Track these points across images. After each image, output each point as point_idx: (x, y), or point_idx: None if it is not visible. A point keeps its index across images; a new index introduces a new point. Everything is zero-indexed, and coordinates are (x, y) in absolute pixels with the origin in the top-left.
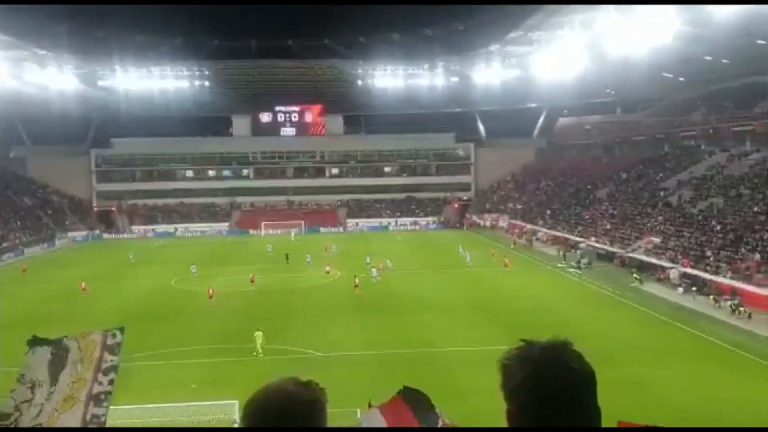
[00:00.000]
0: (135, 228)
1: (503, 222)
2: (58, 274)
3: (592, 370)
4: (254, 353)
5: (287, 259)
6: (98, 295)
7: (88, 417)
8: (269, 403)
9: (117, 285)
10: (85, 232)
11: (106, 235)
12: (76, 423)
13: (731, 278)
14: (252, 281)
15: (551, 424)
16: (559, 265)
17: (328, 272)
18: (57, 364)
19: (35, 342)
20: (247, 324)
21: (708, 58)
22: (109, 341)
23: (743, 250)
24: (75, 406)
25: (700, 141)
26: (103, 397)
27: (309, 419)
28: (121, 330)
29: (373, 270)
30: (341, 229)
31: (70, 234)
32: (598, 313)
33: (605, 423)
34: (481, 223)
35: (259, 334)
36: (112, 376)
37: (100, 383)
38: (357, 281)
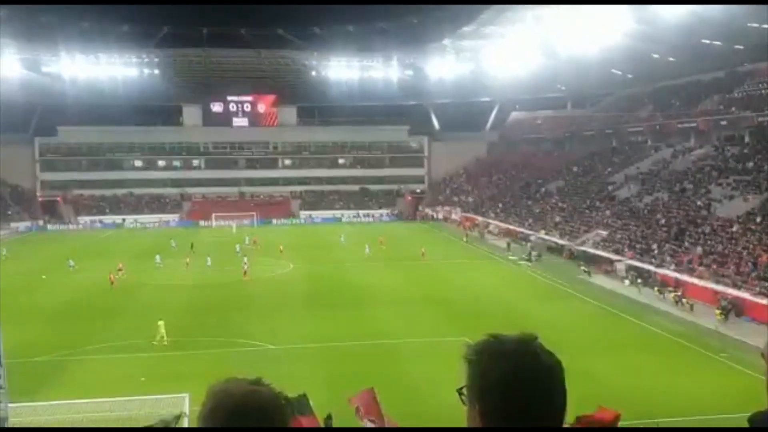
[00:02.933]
0: (81, 219)
1: (456, 215)
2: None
3: (561, 363)
4: (154, 342)
5: (192, 248)
6: (41, 288)
7: None
8: (246, 407)
9: (62, 277)
10: (28, 223)
11: (50, 226)
12: None
13: (675, 270)
14: (121, 270)
15: (530, 421)
16: (510, 257)
17: (187, 264)
18: None
19: None
20: (196, 318)
21: (655, 56)
22: None
23: (686, 243)
24: None
25: (647, 136)
26: None
27: (285, 420)
28: None
29: (245, 258)
30: (292, 221)
31: (13, 224)
32: (547, 305)
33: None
34: (434, 216)
35: (161, 323)
36: None
37: None
38: (245, 268)
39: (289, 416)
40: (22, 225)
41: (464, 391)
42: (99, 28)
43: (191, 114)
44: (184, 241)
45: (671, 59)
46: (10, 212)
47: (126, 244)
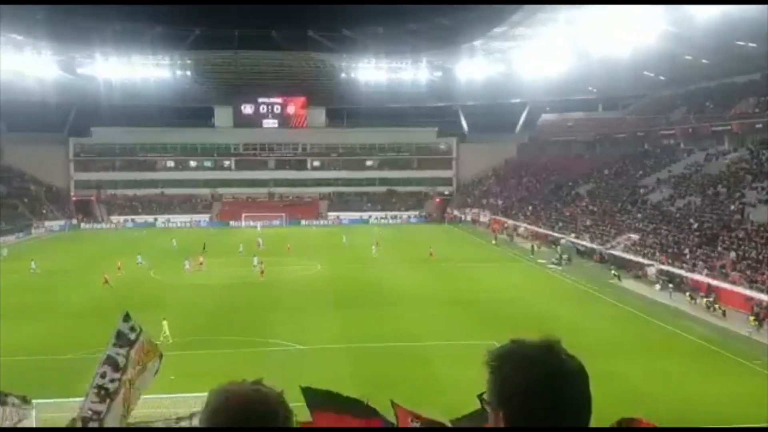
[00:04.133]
0: (113, 218)
1: (484, 217)
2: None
3: (585, 368)
4: (161, 340)
5: (204, 248)
6: (74, 285)
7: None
8: (249, 406)
9: (95, 275)
10: (62, 222)
11: (84, 225)
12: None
13: (707, 276)
14: (120, 268)
15: (556, 425)
16: (539, 261)
17: (201, 264)
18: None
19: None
20: (224, 317)
21: (688, 57)
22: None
23: (719, 248)
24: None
25: (679, 140)
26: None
27: (289, 420)
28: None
29: (254, 258)
30: (321, 222)
31: (47, 223)
32: (575, 308)
33: None
34: (462, 218)
35: (165, 322)
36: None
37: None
38: (263, 267)
39: (292, 416)
40: (56, 224)
41: (485, 396)
42: (133, 30)
43: (222, 115)
44: (207, 241)
45: (705, 61)
46: (44, 211)
47: (155, 243)
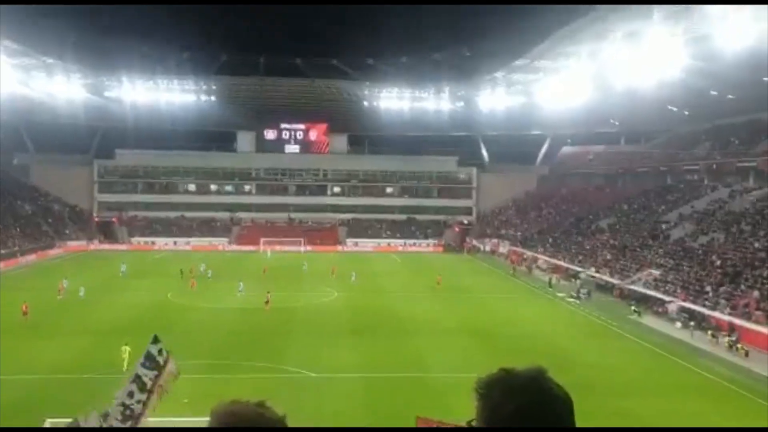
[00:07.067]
0: (134, 240)
1: (503, 248)
2: (53, 283)
3: (570, 398)
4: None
5: (182, 274)
6: (94, 306)
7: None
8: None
9: (112, 296)
10: (84, 242)
11: (105, 246)
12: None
13: (730, 314)
14: (61, 290)
15: None
16: (558, 294)
17: (192, 286)
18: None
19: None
20: (241, 340)
21: (714, 92)
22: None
23: (743, 286)
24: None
25: (703, 175)
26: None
27: None
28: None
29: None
30: (340, 248)
31: (70, 243)
32: (594, 343)
33: None
34: (482, 248)
35: (126, 348)
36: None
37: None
38: (268, 297)
39: None
40: (78, 244)
41: (473, 424)
42: (160, 55)
43: (245, 140)
44: (184, 267)
45: (731, 97)
46: (67, 231)
47: (172, 265)
